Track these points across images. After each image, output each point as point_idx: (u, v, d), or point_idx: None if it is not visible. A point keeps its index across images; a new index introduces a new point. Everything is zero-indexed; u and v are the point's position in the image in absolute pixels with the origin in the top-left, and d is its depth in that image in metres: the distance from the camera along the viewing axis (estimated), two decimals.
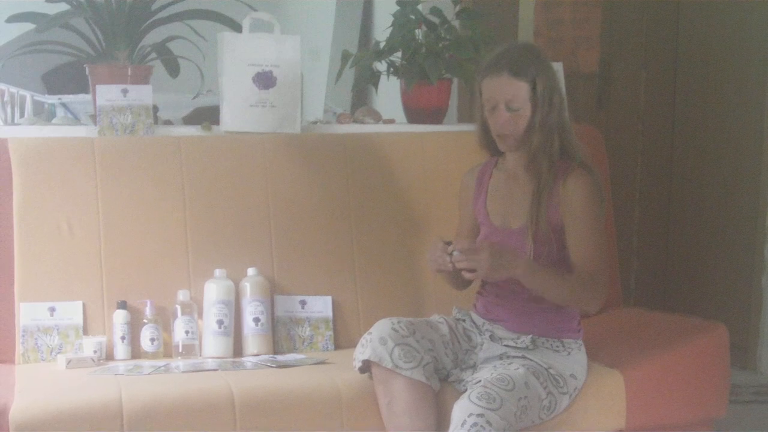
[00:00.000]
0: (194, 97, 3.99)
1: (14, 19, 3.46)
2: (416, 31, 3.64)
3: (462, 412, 2.60)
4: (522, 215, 2.87)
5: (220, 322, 3.14)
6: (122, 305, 3.12)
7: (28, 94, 4.74)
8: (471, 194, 3.03)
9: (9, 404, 2.60)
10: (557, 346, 2.86)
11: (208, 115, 3.82)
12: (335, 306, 3.29)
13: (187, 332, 3.13)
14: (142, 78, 3.44)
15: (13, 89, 4.60)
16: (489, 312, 2.94)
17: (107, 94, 3.33)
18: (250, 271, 3.22)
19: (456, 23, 3.73)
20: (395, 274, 3.37)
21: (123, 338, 3.11)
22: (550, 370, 2.80)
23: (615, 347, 3.09)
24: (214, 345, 3.14)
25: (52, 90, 6.14)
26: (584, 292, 2.79)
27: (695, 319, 3.42)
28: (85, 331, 3.12)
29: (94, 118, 3.41)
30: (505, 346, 2.87)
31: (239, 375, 2.90)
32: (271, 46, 3.41)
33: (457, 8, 3.75)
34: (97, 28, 3.50)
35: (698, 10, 5.03)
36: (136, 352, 3.13)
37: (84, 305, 3.13)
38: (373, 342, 2.75)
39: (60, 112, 5.09)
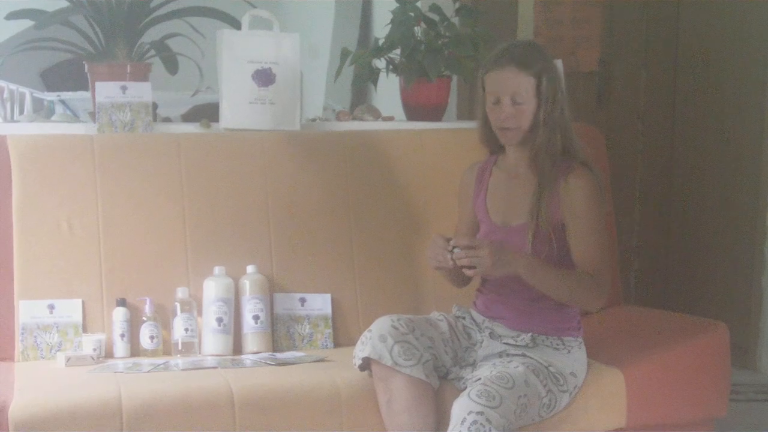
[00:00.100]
0: (193, 95, 3.99)
1: (13, 16, 3.46)
2: (415, 28, 3.64)
3: (462, 409, 2.60)
4: (522, 213, 2.87)
5: (219, 320, 3.14)
6: (121, 303, 3.12)
7: (27, 91, 4.73)
8: (471, 191, 3.02)
9: (8, 402, 2.59)
10: (557, 344, 2.86)
11: (207, 113, 3.82)
12: (335, 303, 3.29)
13: (186, 330, 3.13)
14: (142, 75, 3.44)
15: (13, 86, 4.59)
16: (489, 310, 2.93)
17: (106, 91, 3.32)
18: (250, 268, 3.21)
19: (455, 20, 3.74)
20: (395, 272, 3.36)
21: (122, 336, 3.10)
22: (550, 368, 2.79)
23: (615, 346, 3.09)
24: (213, 343, 3.14)
25: (51, 87, 6.13)
26: (586, 289, 2.79)
27: (696, 317, 3.43)
28: (85, 329, 3.11)
29: (93, 115, 3.41)
30: (505, 344, 2.86)
31: (239, 373, 2.89)
32: (270, 43, 3.41)
33: (457, 6, 3.76)
34: (97, 25, 3.49)
35: (698, 10, 5.03)
36: (135, 350, 3.12)
37: (83, 303, 3.13)
38: (373, 339, 2.74)
39: (59, 109, 5.08)
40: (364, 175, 3.41)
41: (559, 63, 3.26)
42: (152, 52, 3.54)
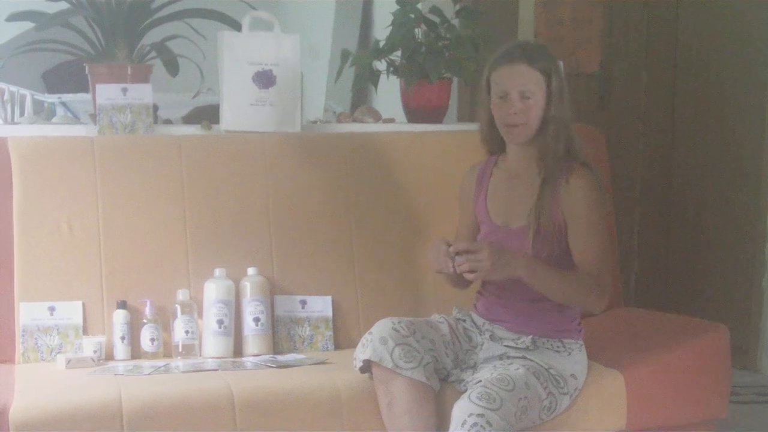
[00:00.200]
0: (194, 96, 3.98)
1: (14, 17, 3.46)
2: (416, 30, 3.64)
3: (462, 412, 2.60)
4: (523, 213, 2.87)
5: (220, 322, 3.14)
6: (122, 305, 3.12)
7: (27, 93, 4.72)
8: (471, 193, 3.02)
9: (9, 404, 2.59)
10: (558, 347, 2.86)
11: (207, 114, 3.81)
12: (335, 306, 3.29)
13: (186, 332, 3.13)
14: (142, 77, 3.44)
15: (13, 88, 4.59)
16: (489, 312, 2.93)
17: (107, 93, 3.32)
18: (250, 270, 3.21)
19: (456, 22, 3.73)
20: (395, 274, 3.36)
21: (123, 338, 3.10)
22: (551, 371, 2.79)
23: (616, 347, 3.09)
24: (214, 345, 3.14)
25: (52, 89, 6.14)
26: (588, 291, 2.79)
27: (696, 319, 3.42)
28: (85, 331, 3.12)
29: (94, 117, 3.41)
30: (506, 346, 2.86)
31: (239, 375, 2.89)
32: (270, 45, 3.41)
33: (457, 7, 3.75)
34: (97, 26, 3.49)
35: (698, 11, 5.03)
36: (135, 352, 3.12)
37: (84, 305, 3.13)
38: (374, 342, 2.74)
39: (60, 111, 5.09)
40: (365, 177, 3.41)
41: (560, 64, 3.27)
42: (153, 53, 3.54)
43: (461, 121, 4.41)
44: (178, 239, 3.22)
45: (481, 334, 2.92)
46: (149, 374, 2.89)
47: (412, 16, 3.64)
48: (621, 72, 5.20)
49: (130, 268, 3.17)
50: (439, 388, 2.78)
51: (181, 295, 3.15)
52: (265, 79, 3.41)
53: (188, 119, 4.29)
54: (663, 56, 5.17)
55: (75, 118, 4.42)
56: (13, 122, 3.96)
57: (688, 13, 5.10)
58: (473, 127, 3.17)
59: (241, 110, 3.40)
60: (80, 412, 2.59)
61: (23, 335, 3.08)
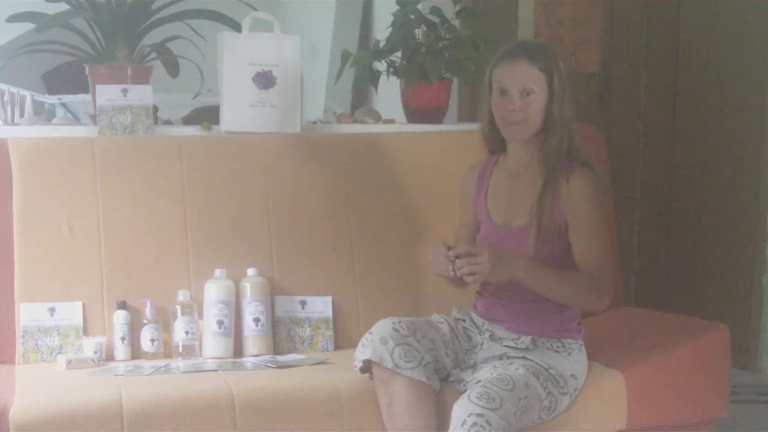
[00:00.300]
0: (194, 97, 3.99)
1: (14, 18, 3.46)
2: (416, 30, 3.64)
3: (462, 411, 2.60)
4: (524, 213, 2.87)
5: (220, 323, 3.14)
6: (122, 306, 3.12)
7: (28, 94, 4.73)
8: (472, 192, 3.02)
9: (9, 405, 2.60)
10: (557, 347, 2.86)
11: (207, 115, 3.82)
12: (335, 306, 3.29)
13: (187, 333, 3.13)
14: (142, 78, 3.44)
15: (13, 89, 4.59)
16: (489, 312, 2.93)
17: (107, 94, 3.33)
18: (250, 271, 3.22)
19: (456, 23, 3.73)
20: (395, 274, 3.36)
21: (123, 339, 3.11)
22: (551, 371, 2.79)
23: (616, 347, 3.09)
24: (214, 345, 3.14)
25: (52, 90, 6.14)
26: (588, 291, 2.79)
27: (696, 319, 3.42)
28: (85, 332, 3.12)
29: (94, 118, 3.41)
30: (505, 346, 2.86)
31: (239, 375, 2.90)
32: (270, 45, 3.41)
33: (457, 8, 3.76)
34: (97, 27, 3.49)
35: (698, 10, 5.02)
36: (136, 353, 3.12)
37: (84, 306, 3.13)
38: (374, 342, 2.75)
39: (60, 112, 5.09)
40: (365, 178, 3.41)
41: (561, 64, 3.27)
42: (153, 54, 3.54)
43: (461, 122, 4.41)
44: (178, 240, 3.22)
45: (480, 334, 2.92)
46: (149, 375, 2.89)
47: (413, 16, 3.64)
48: (621, 72, 5.20)
49: (130, 269, 3.17)
50: (440, 388, 2.79)
51: (182, 295, 3.15)
52: (265, 79, 3.41)
53: (188, 120, 4.29)
54: (663, 56, 5.17)
55: (75, 119, 4.43)
56: (13, 123, 3.97)
57: (689, 13, 5.09)
58: (473, 127, 3.17)
59: (241, 111, 3.40)
60: (81, 413, 2.60)
61: (23, 336, 3.08)
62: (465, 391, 2.69)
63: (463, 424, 2.57)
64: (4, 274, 3.11)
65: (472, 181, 3.04)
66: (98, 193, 3.19)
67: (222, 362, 3.05)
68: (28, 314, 3.09)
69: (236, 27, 3.47)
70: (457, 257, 2.70)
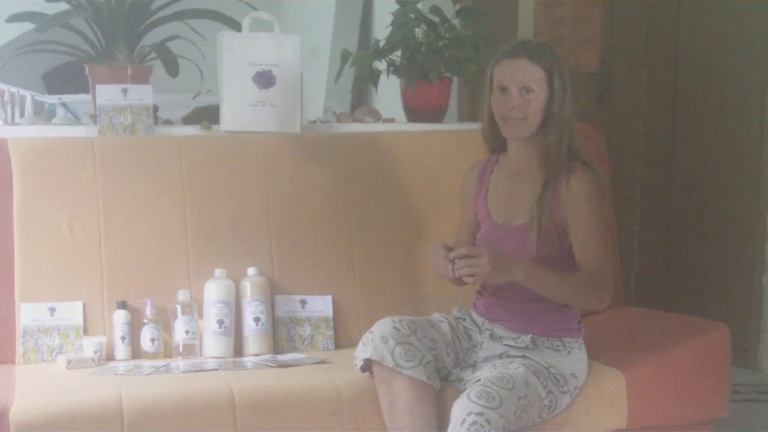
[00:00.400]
0: (194, 97, 3.99)
1: (14, 18, 3.46)
2: (416, 30, 3.64)
3: (461, 410, 2.60)
4: (524, 212, 2.87)
5: (220, 322, 3.14)
6: (122, 305, 3.12)
7: (28, 94, 4.73)
8: (472, 191, 3.02)
9: (9, 405, 2.60)
10: (558, 346, 2.86)
11: (207, 115, 3.82)
12: (335, 305, 3.29)
13: (187, 332, 3.13)
14: (142, 78, 3.44)
15: (13, 89, 4.59)
16: (489, 311, 2.94)
17: (107, 93, 3.33)
18: (251, 270, 3.22)
19: (456, 22, 3.74)
20: (395, 273, 3.36)
21: (123, 338, 3.11)
22: (551, 369, 2.79)
23: (616, 346, 3.09)
24: (214, 345, 3.14)
25: (52, 90, 6.14)
26: (588, 291, 2.79)
27: (696, 318, 3.42)
28: (86, 332, 3.12)
29: (94, 118, 3.41)
30: (506, 345, 2.86)
31: (240, 375, 2.90)
32: (270, 45, 3.41)
33: (457, 7, 3.76)
34: (97, 27, 3.49)
35: (698, 10, 5.02)
36: (136, 353, 3.12)
37: (84, 305, 3.13)
38: (375, 341, 2.75)
39: (60, 112, 5.08)
40: (365, 177, 3.41)
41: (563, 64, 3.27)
42: (153, 54, 3.54)
43: (461, 121, 4.41)
44: (178, 240, 3.22)
45: (481, 333, 2.92)
46: (150, 374, 2.89)
47: (412, 16, 3.64)
48: (621, 72, 5.20)
49: (130, 269, 3.17)
50: (440, 387, 2.78)
51: (182, 295, 3.15)
52: (265, 79, 3.41)
53: (188, 120, 4.29)
54: (663, 56, 5.17)
55: (75, 119, 4.42)
56: (13, 123, 3.97)
57: (689, 13, 5.09)
58: (473, 126, 3.17)
59: (241, 111, 3.41)
60: (81, 413, 2.60)
61: (24, 336, 3.08)
62: (465, 390, 2.69)
63: (462, 422, 2.57)
64: (4, 274, 3.11)
65: (473, 180, 3.04)
66: (98, 193, 3.19)
67: (222, 362, 3.05)
68: (28, 314, 3.09)
69: (236, 27, 3.47)
70: (457, 258, 2.69)
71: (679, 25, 5.14)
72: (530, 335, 2.84)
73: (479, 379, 2.68)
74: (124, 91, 3.33)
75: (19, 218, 3.14)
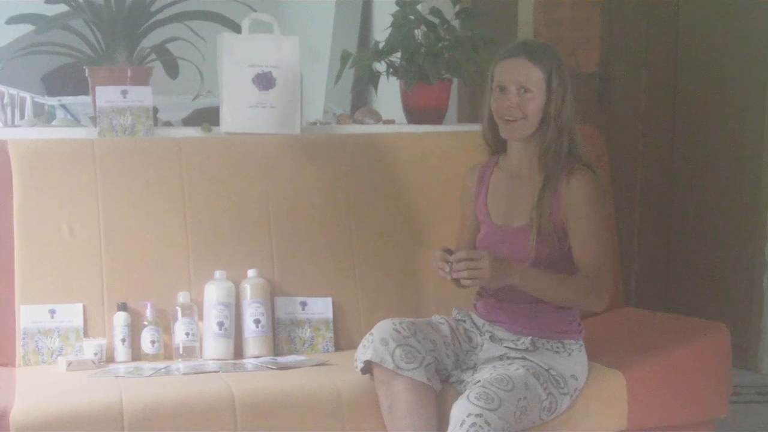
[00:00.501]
0: (194, 99, 3.99)
1: (14, 20, 3.47)
2: (416, 31, 3.64)
3: (460, 412, 2.60)
4: (523, 214, 2.87)
5: (220, 324, 3.14)
6: (122, 307, 3.12)
7: (28, 96, 4.74)
8: (472, 192, 3.02)
9: (9, 407, 2.59)
10: (558, 347, 2.86)
11: (207, 117, 3.82)
12: (336, 307, 3.29)
13: (187, 334, 3.13)
14: (142, 79, 3.44)
15: (13, 91, 4.60)
16: (489, 313, 2.93)
17: (107, 95, 3.33)
18: (251, 272, 3.22)
19: (455, 23, 3.73)
20: (395, 275, 3.36)
21: (123, 340, 3.10)
22: (551, 371, 2.79)
23: (616, 348, 3.09)
24: (214, 347, 3.14)
25: (52, 92, 6.13)
26: (586, 293, 2.79)
27: (696, 319, 3.43)
28: (86, 334, 3.12)
29: (94, 119, 3.41)
30: (506, 347, 2.86)
31: (240, 377, 2.89)
32: (270, 47, 3.41)
33: (457, 8, 3.76)
34: (97, 29, 3.49)
35: (698, 10, 5.02)
36: (136, 355, 3.12)
37: (84, 307, 3.13)
38: (375, 343, 2.74)
39: (60, 113, 5.09)
40: (365, 179, 3.41)
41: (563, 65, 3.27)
42: (153, 56, 3.54)
43: (461, 122, 4.42)
44: (178, 241, 3.22)
45: (481, 335, 2.92)
46: (150, 376, 2.89)
47: (412, 17, 3.64)
48: (621, 72, 5.20)
49: (130, 271, 3.17)
50: (440, 389, 2.78)
51: (182, 297, 3.15)
52: (264, 81, 3.41)
53: (188, 121, 4.30)
54: (663, 56, 5.17)
55: (75, 121, 4.43)
56: (13, 125, 3.98)
57: (689, 13, 5.09)
58: (473, 127, 3.17)
59: (241, 112, 3.40)
60: (81, 415, 2.59)
61: (24, 338, 3.08)
62: (465, 391, 2.69)
63: (462, 424, 2.57)
64: (4, 276, 3.11)
65: (473, 181, 3.04)
66: (98, 195, 3.19)
67: (222, 364, 3.05)
68: (28, 316, 3.09)
69: (236, 28, 3.47)
70: (456, 261, 2.69)
71: (678, 26, 5.14)
72: (530, 337, 2.84)
73: (478, 381, 2.67)
74: (124, 93, 3.33)
75: (19, 220, 3.13)
